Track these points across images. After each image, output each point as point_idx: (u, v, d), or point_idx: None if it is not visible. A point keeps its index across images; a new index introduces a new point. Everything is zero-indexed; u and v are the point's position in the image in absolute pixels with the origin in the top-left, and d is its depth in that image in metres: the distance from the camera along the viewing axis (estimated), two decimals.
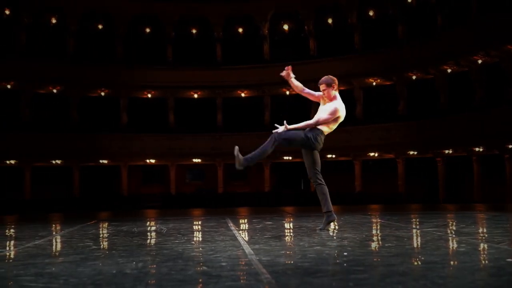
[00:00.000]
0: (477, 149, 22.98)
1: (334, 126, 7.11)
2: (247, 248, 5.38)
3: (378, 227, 8.08)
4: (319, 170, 7.00)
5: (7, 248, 6.29)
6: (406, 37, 26.46)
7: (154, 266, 4.42)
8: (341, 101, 7.18)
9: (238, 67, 28.99)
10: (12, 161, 25.97)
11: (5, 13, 26.43)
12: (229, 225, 8.82)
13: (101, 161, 27.89)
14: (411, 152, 25.95)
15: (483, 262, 4.41)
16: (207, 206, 22.45)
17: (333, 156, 27.19)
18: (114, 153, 27.64)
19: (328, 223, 7.09)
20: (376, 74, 27.10)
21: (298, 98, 28.71)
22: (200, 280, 3.73)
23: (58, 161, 27.08)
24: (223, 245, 5.80)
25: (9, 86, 26.19)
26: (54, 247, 6.44)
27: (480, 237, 6.25)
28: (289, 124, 6.93)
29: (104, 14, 28.55)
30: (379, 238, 6.45)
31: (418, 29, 26.18)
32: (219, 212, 14.08)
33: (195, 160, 28.89)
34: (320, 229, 7.02)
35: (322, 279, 3.71)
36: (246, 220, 10.50)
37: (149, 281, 3.73)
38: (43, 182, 26.99)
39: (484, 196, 22.56)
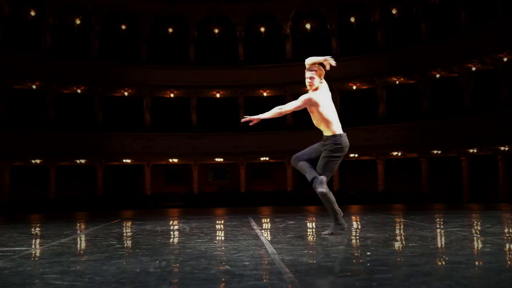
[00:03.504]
0: (502, 148, 22.68)
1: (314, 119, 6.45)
2: (270, 247, 5.38)
3: (402, 227, 8.03)
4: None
5: (33, 247, 6.37)
6: (430, 35, 26.21)
7: (177, 265, 4.45)
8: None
9: (260, 66, 28.99)
10: (38, 160, 26.30)
11: (31, 14, 26.76)
12: (251, 224, 8.83)
13: (124, 160, 28.11)
14: (435, 151, 25.71)
15: (508, 262, 4.36)
16: (230, 205, 22.48)
17: (356, 155, 27.04)
18: (137, 153, 27.85)
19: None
20: (399, 73, 26.90)
21: None
22: (223, 279, 3.74)
23: (82, 161, 27.36)
24: (245, 244, 5.81)
25: (34, 87, 26.52)
26: (78, 245, 6.51)
27: (505, 237, 6.18)
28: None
29: (128, 15, 28.76)
30: (403, 238, 6.41)
31: (442, 27, 25.92)
32: (242, 211, 14.11)
33: (217, 160, 28.97)
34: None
35: (345, 278, 3.70)
36: (268, 219, 10.50)
37: (172, 280, 3.76)
38: (68, 181, 27.27)
39: (509, 196, 22.26)
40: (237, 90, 29.23)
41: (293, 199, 24.32)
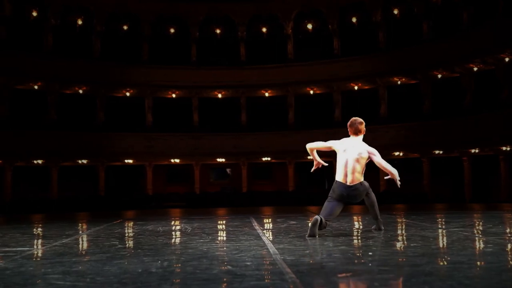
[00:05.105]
0: (504, 148, 22.67)
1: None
2: (272, 248, 5.39)
3: (403, 227, 8.03)
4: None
5: (35, 247, 6.38)
6: (431, 35, 26.18)
7: (179, 265, 4.45)
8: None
9: (262, 66, 28.96)
10: (39, 161, 26.31)
11: (32, 14, 26.77)
12: (253, 224, 8.83)
13: (126, 160, 28.12)
14: (437, 152, 25.68)
15: (510, 262, 4.36)
16: (231, 205, 22.47)
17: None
18: (139, 153, 27.84)
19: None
20: (401, 73, 26.87)
21: (323, 97, 28.79)
22: (225, 279, 3.75)
23: (84, 161, 27.37)
24: (247, 244, 5.81)
25: (36, 87, 26.54)
26: (80, 246, 6.52)
27: (507, 237, 6.18)
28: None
29: (129, 15, 28.74)
30: (405, 238, 6.41)
31: (444, 27, 25.89)
32: (243, 212, 14.11)
33: (219, 160, 28.97)
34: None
35: (347, 279, 3.70)
36: (270, 219, 10.51)
37: (174, 280, 3.76)
38: (69, 181, 27.28)
39: (511, 196, 22.25)
40: (239, 90, 29.22)
41: (294, 199, 24.31)
